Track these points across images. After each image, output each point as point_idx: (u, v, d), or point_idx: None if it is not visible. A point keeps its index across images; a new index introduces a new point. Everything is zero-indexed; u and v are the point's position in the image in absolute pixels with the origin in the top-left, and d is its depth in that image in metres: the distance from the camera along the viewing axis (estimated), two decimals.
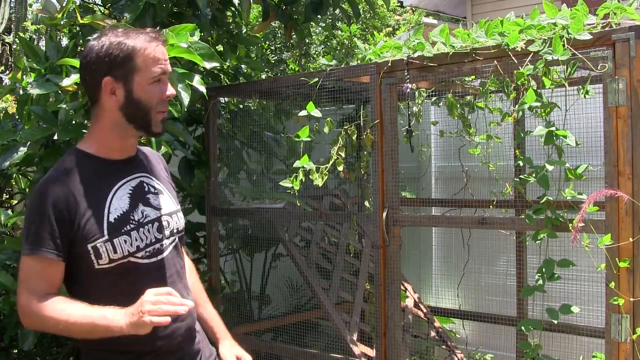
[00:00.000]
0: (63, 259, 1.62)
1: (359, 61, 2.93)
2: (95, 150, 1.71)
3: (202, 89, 2.54)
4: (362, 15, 6.81)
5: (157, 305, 1.50)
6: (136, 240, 1.67)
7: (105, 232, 1.63)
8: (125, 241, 1.65)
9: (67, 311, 1.57)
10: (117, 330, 1.54)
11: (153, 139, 2.37)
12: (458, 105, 3.26)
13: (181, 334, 1.74)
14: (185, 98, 2.40)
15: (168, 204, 1.80)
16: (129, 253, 1.66)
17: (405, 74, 2.61)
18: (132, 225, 1.68)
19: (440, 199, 3.95)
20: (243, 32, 3.90)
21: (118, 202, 1.68)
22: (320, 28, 6.49)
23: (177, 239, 1.81)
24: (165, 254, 1.74)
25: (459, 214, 3.68)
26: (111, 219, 1.65)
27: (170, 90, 1.70)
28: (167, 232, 1.76)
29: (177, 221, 1.81)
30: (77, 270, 1.65)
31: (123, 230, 1.66)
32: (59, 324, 1.57)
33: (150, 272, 1.70)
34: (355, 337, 3.30)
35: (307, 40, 5.71)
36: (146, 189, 1.76)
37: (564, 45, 2.17)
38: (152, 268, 1.70)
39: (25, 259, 1.62)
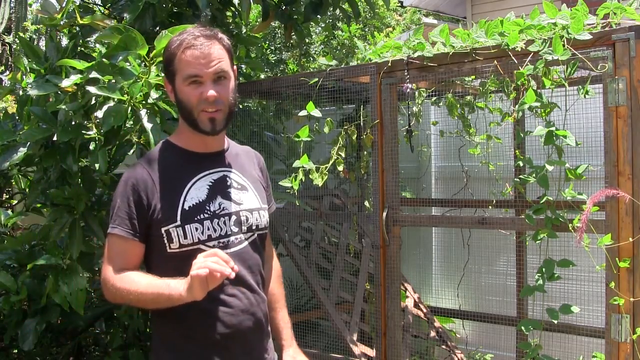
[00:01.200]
0: (139, 239, 1.73)
1: (359, 61, 2.94)
2: (180, 142, 1.82)
3: None
4: (362, 15, 6.81)
5: (203, 264, 1.55)
6: (208, 229, 1.74)
7: (179, 217, 1.72)
8: (197, 229, 1.72)
9: (137, 282, 1.68)
10: (177, 298, 1.61)
11: (152, 141, 2.37)
12: (458, 105, 3.26)
13: (248, 326, 1.78)
14: None
15: (251, 201, 1.85)
16: (199, 240, 1.72)
17: (405, 74, 2.61)
18: (206, 215, 1.74)
19: (440, 199, 3.95)
20: (243, 32, 3.89)
21: (196, 192, 1.76)
22: (320, 28, 6.48)
23: (256, 236, 1.84)
24: (239, 247, 1.78)
25: (459, 214, 3.67)
26: (186, 207, 1.73)
27: (210, 92, 1.71)
28: (244, 227, 1.81)
29: (258, 218, 1.85)
30: (152, 253, 1.75)
31: (196, 219, 1.73)
32: (130, 294, 1.67)
33: None
34: (355, 337, 3.30)
35: (307, 40, 5.71)
36: (228, 183, 1.82)
37: (564, 45, 2.17)
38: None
39: (109, 237, 1.75)
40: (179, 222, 1.71)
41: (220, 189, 1.80)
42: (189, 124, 1.77)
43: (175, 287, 1.61)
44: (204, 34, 1.73)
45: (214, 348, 1.73)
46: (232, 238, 1.77)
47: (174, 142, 1.83)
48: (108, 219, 1.76)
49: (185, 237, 1.71)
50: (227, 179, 1.82)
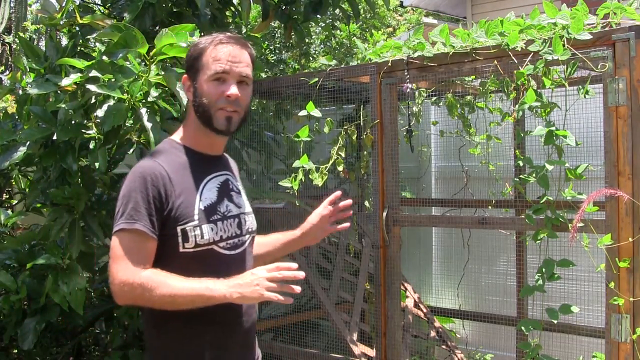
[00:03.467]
0: (156, 237, 1.69)
1: (359, 61, 2.93)
2: (187, 142, 1.82)
3: None
4: (362, 15, 6.81)
5: (271, 281, 1.59)
6: (220, 230, 1.77)
7: (196, 217, 1.72)
8: (212, 229, 1.74)
9: (172, 283, 1.63)
10: (219, 299, 1.62)
11: (152, 140, 2.36)
12: (458, 105, 3.26)
13: (247, 327, 1.83)
14: (184, 98, 2.39)
15: (246, 204, 1.91)
16: (213, 241, 1.75)
17: (405, 74, 2.61)
18: (218, 216, 1.78)
19: (440, 199, 3.95)
20: (243, 32, 3.89)
21: (208, 192, 1.78)
22: (320, 28, 6.48)
23: (250, 239, 1.90)
24: (241, 249, 1.83)
25: (459, 214, 3.67)
26: (202, 207, 1.75)
27: (232, 90, 1.74)
28: (244, 230, 1.85)
29: (252, 222, 1.91)
30: (161, 252, 1.71)
31: (210, 219, 1.75)
32: (163, 297, 1.62)
33: (230, 263, 1.78)
34: (355, 337, 3.29)
35: (307, 40, 5.71)
36: (230, 186, 1.87)
37: (564, 45, 2.17)
38: (231, 260, 1.79)
39: (122, 234, 1.67)
40: (196, 222, 1.72)
41: (226, 191, 1.84)
42: (203, 122, 1.77)
43: (215, 288, 1.62)
44: (236, 37, 1.80)
45: (219, 349, 1.77)
46: (236, 240, 1.81)
47: (179, 141, 1.82)
48: (116, 214, 1.69)
49: (202, 237, 1.72)
50: (229, 182, 1.87)
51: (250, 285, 1.60)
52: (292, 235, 2.04)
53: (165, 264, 1.70)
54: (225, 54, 1.75)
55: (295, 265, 1.62)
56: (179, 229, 1.70)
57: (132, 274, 1.63)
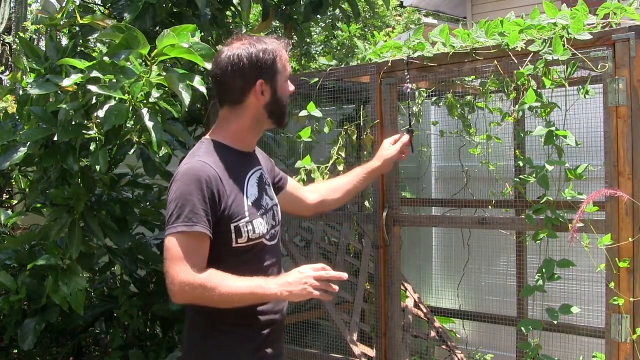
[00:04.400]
0: (211, 236, 1.77)
1: (359, 61, 2.93)
2: (227, 141, 1.90)
3: (203, 89, 2.54)
4: (362, 15, 6.81)
5: (318, 280, 1.71)
6: (266, 223, 1.89)
7: (247, 213, 1.83)
8: (260, 223, 1.86)
9: (228, 282, 1.73)
10: (271, 297, 1.77)
11: (154, 140, 2.37)
12: (458, 105, 3.26)
13: (280, 319, 1.95)
14: (186, 98, 2.40)
15: (275, 196, 2.03)
16: (262, 234, 1.86)
17: (405, 74, 2.61)
18: (262, 210, 1.90)
19: (440, 199, 3.95)
20: (243, 32, 3.89)
21: (251, 188, 1.89)
22: (320, 28, 6.48)
23: (279, 228, 2.01)
24: (277, 238, 1.98)
25: (459, 214, 3.67)
26: (249, 203, 1.85)
27: (292, 87, 1.95)
28: (277, 220, 1.98)
29: (279, 212, 2.03)
30: (215, 247, 1.79)
31: (258, 213, 1.87)
32: (222, 295, 1.71)
33: (271, 253, 1.92)
34: (355, 337, 3.29)
35: (307, 40, 5.71)
36: (264, 180, 1.98)
37: (564, 45, 2.17)
38: (272, 249, 1.93)
39: (181, 235, 1.73)
40: (247, 218, 1.82)
41: (262, 185, 1.95)
42: (275, 120, 1.92)
43: (267, 287, 1.74)
44: (281, 38, 1.93)
45: (258, 339, 1.87)
46: (273, 230, 1.94)
47: (222, 142, 1.89)
48: (171, 215, 1.74)
49: (254, 232, 1.83)
50: (263, 176, 1.98)
51: (299, 283, 1.72)
52: (372, 166, 2.36)
53: (218, 258, 1.79)
54: (287, 55, 1.91)
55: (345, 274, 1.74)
56: (232, 225, 1.79)
57: (192, 274, 1.71)
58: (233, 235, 1.80)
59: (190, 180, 1.75)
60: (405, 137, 2.48)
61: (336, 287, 1.72)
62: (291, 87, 1.95)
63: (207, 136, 1.92)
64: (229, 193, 1.79)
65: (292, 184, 2.24)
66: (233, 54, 1.84)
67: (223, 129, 1.91)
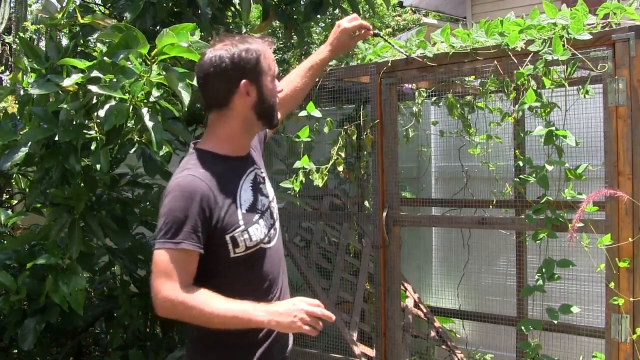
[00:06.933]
0: (201, 249, 1.73)
1: (359, 61, 2.93)
2: (217, 149, 1.84)
3: None
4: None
5: (310, 316, 1.68)
6: (263, 227, 1.84)
7: (241, 222, 1.78)
8: (257, 229, 1.82)
9: (212, 303, 1.69)
10: (257, 324, 1.70)
11: (153, 140, 2.37)
12: (458, 105, 3.26)
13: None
14: (186, 97, 2.39)
15: (271, 191, 1.98)
16: (260, 240, 1.82)
17: (406, 74, 2.61)
18: (258, 215, 1.85)
19: (440, 199, 3.95)
20: (243, 32, 3.89)
21: (245, 194, 1.84)
22: (320, 28, 6.48)
23: (279, 222, 1.97)
24: (276, 240, 1.92)
25: (459, 214, 3.68)
26: (243, 210, 1.81)
27: (280, 86, 1.90)
28: (275, 216, 1.94)
29: (276, 207, 1.98)
30: (212, 260, 1.77)
31: (254, 220, 1.82)
32: (203, 316, 1.68)
33: (271, 255, 1.87)
34: (355, 337, 3.30)
35: (307, 40, 5.71)
36: (258, 179, 1.93)
37: (564, 45, 2.17)
38: (271, 251, 1.88)
39: (167, 252, 1.71)
40: (243, 227, 1.78)
41: (257, 186, 1.90)
42: (264, 121, 1.86)
43: (255, 313, 1.69)
44: (264, 37, 1.88)
45: (260, 346, 1.84)
46: (272, 230, 1.89)
47: (213, 150, 1.84)
48: (160, 229, 1.72)
49: (251, 240, 1.79)
50: (257, 176, 1.93)
51: (289, 315, 1.68)
52: (322, 54, 2.24)
53: (217, 270, 1.78)
54: (272, 54, 1.85)
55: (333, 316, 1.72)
56: (227, 237, 1.76)
57: (175, 291, 1.68)
58: (230, 246, 1.77)
59: (180, 196, 1.72)
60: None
61: (322, 325, 1.70)
62: (279, 87, 1.89)
63: (197, 145, 1.87)
64: (221, 205, 1.75)
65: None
66: (215, 55, 1.79)
67: (213, 134, 1.86)
